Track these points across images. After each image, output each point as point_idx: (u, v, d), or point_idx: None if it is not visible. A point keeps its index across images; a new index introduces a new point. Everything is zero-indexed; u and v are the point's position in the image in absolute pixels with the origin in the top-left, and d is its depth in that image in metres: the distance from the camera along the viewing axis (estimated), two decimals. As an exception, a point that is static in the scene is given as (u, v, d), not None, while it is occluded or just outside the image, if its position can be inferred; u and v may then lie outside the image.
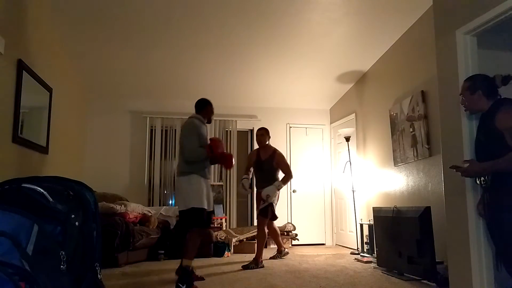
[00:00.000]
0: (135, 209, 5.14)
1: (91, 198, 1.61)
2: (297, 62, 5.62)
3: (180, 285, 3.25)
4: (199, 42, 4.98)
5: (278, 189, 4.76)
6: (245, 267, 4.40)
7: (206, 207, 3.52)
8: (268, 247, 5.27)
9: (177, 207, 6.20)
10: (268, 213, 4.74)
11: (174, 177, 6.64)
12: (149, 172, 6.57)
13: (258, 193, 4.86)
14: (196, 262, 4.77)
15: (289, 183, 7.13)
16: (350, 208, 6.17)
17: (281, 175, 4.92)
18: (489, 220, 2.55)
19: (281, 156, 4.93)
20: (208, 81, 6.10)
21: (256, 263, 4.48)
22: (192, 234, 3.51)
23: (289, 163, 6.94)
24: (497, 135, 2.38)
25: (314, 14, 4.48)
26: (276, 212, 4.95)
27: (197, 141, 3.55)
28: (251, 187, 4.87)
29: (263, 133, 4.96)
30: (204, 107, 3.82)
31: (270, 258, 5.06)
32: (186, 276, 3.34)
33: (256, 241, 5.14)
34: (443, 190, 3.17)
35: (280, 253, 5.18)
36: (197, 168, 3.52)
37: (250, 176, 5.04)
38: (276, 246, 5.38)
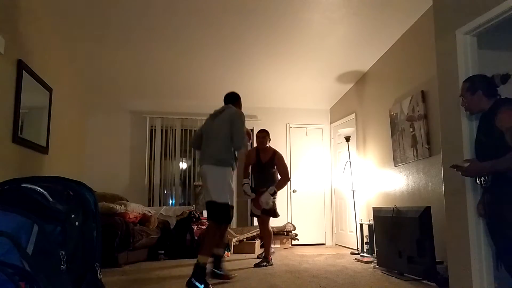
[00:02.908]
0: (135, 209, 5.14)
1: (91, 198, 1.61)
2: (297, 62, 5.62)
3: (198, 285, 3.11)
4: (199, 42, 4.99)
5: (272, 195, 4.69)
6: (257, 265, 4.46)
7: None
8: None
9: (176, 207, 6.26)
10: (270, 211, 4.78)
11: (172, 174, 6.65)
12: (149, 172, 6.58)
13: (258, 193, 4.84)
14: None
15: (288, 184, 7.13)
16: (350, 208, 6.16)
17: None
18: (489, 220, 2.55)
19: (280, 158, 4.93)
20: (208, 81, 6.09)
21: (267, 261, 4.55)
22: (217, 229, 3.47)
23: (289, 163, 7.00)
24: (498, 134, 2.38)
25: (314, 14, 4.48)
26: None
27: (244, 130, 3.62)
28: (254, 192, 4.85)
29: (265, 136, 4.97)
30: (237, 100, 3.99)
31: (255, 265, 4.48)
32: (203, 274, 3.21)
33: (257, 241, 5.14)
34: (443, 190, 3.17)
35: (267, 261, 4.57)
36: (232, 160, 3.51)
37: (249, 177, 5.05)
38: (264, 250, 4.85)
